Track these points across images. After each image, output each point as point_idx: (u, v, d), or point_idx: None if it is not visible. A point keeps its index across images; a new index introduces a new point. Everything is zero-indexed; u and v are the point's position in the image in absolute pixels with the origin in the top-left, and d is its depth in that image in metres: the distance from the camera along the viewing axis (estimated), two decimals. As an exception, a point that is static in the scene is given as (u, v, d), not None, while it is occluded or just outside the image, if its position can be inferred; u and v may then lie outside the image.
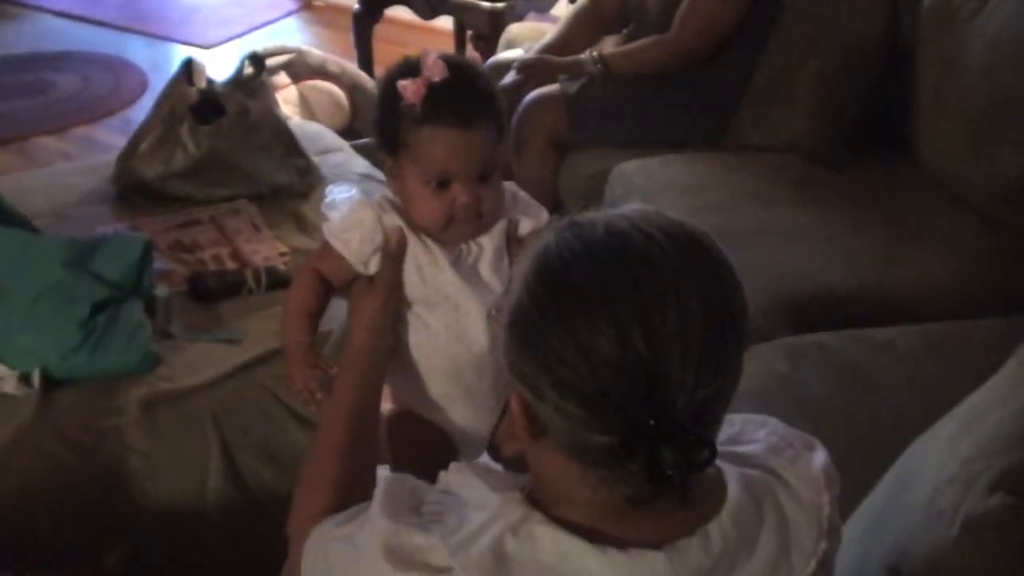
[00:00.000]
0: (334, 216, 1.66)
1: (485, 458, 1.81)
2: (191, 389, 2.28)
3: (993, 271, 2.64)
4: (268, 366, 2.33)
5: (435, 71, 1.48)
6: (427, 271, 1.58)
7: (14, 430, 2.16)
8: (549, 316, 1.06)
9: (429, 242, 1.58)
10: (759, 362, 2.22)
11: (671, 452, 1.01)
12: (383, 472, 1.47)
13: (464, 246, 1.60)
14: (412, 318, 1.63)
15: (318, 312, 1.66)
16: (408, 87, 1.48)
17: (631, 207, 1.13)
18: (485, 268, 1.61)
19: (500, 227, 1.62)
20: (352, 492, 1.41)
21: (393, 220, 1.58)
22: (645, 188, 3.04)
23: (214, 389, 2.29)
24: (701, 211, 2.86)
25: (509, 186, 1.66)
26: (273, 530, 1.94)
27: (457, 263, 1.59)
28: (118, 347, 2.28)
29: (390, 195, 1.62)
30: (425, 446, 1.69)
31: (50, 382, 2.25)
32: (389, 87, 1.52)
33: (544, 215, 1.67)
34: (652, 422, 1.01)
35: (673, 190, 3.00)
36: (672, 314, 1.02)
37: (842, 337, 2.32)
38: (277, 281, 2.58)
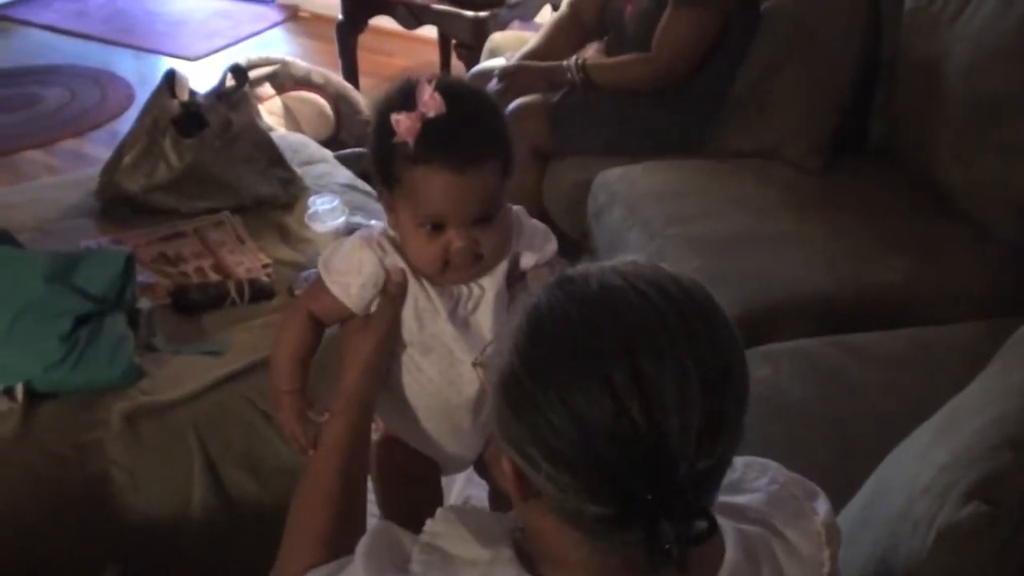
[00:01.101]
0: (331, 257, 1.51)
1: (471, 473, 1.81)
2: (174, 402, 2.28)
3: (976, 276, 2.65)
4: (251, 378, 2.33)
5: (431, 106, 1.34)
6: (425, 317, 1.50)
7: (-3, 444, 2.16)
8: (540, 382, 1.01)
9: (428, 287, 1.48)
10: (742, 369, 2.22)
11: (670, 526, 0.97)
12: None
13: (465, 289, 1.51)
14: (405, 359, 1.54)
15: (311, 356, 1.57)
16: (401, 122, 1.35)
17: (624, 260, 1.08)
18: (485, 313, 1.51)
19: (502, 267, 1.51)
20: (342, 541, 1.35)
21: (395, 261, 1.48)
22: (628, 195, 3.05)
23: (197, 402, 2.29)
24: (683, 218, 2.88)
25: (516, 212, 1.54)
26: (257, 541, 1.95)
27: (455, 311, 1.50)
28: (101, 360, 2.28)
29: (390, 232, 1.50)
30: (410, 472, 1.65)
31: (33, 396, 2.25)
32: (383, 118, 1.38)
33: (551, 246, 1.57)
34: (650, 496, 0.97)
35: (655, 197, 3.01)
36: (671, 381, 0.98)
37: (823, 343, 2.32)
38: (260, 293, 2.59)
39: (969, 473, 1.32)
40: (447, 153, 1.36)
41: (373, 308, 1.50)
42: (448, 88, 1.37)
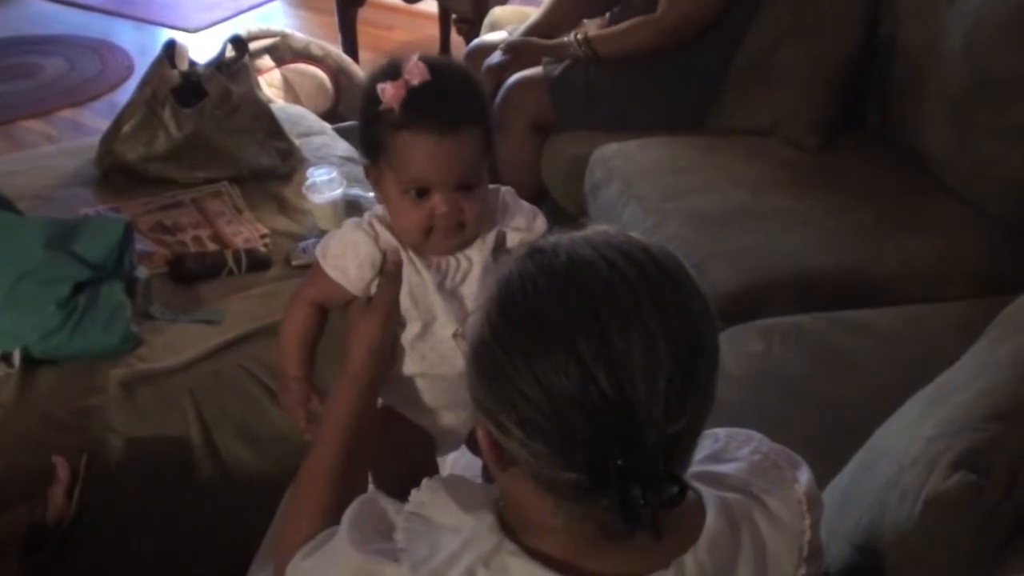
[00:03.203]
0: (327, 244, 1.55)
1: (463, 451, 1.82)
2: (171, 369, 2.29)
3: (973, 254, 2.65)
4: (247, 347, 2.35)
5: (415, 74, 1.41)
6: (417, 292, 1.53)
7: (-6, 410, 2.17)
8: (510, 352, 1.03)
9: (417, 262, 1.52)
10: (736, 343, 2.24)
11: (641, 491, 0.98)
12: None
13: (454, 261, 1.54)
14: (402, 334, 1.58)
15: (316, 340, 1.62)
16: (387, 90, 1.41)
17: (596, 229, 1.10)
18: (472, 286, 1.55)
19: (490, 239, 1.55)
20: (340, 517, 1.35)
21: (388, 240, 1.52)
22: (625, 171, 3.05)
23: (193, 369, 2.31)
24: (680, 193, 2.88)
25: (504, 192, 1.59)
26: (251, 507, 1.97)
27: (443, 283, 1.54)
28: (98, 327, 2.29)
29: (379, 213, 1.55)
30: (405, 443, 1.67)
31: (31, 362, 2.27)
32: (370, 90, 1.44)
33: (539, 222, 1.60)
34: (620, 462, 0.98)
35: (653, 173, 3.02)
36: (638, 349, 0.99)
37: (819, 319, 2.33)
38: (257, 263, 2.60)
39: (956, 443, 1.33)
40: (430, 117, 1.41)
41: (373, 290, 1.53)
42: (432, 61, 1.44)
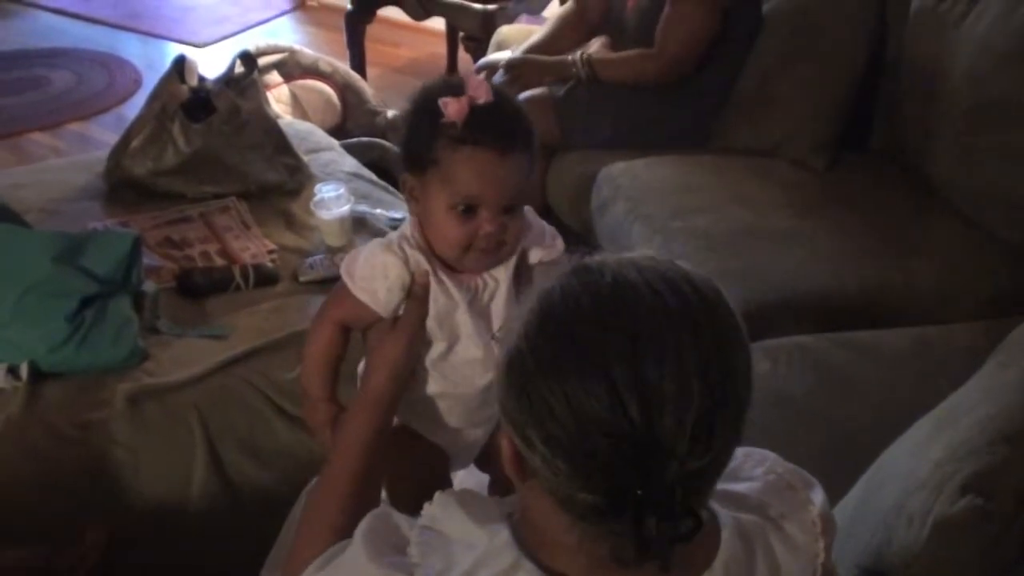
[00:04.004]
0: (353, 265, 1.54)
1: (472, 469, 1.83)
2: (177, 384, 2.29)
3: (978, 276, 2.66)
4: (254, 362, 2.35)
5: (480, 92, 1.42)
6: (443, 312, 1.52)
7: (2, 423, 2.18)
8: (544, 368, 1.02)
9: (447, 281, 1.51)
10: (740, 363, 2.23)
11: (656, 523, 0.98)
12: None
13: (482, 281, 1.54)
14: (424, 355, 1.57)
15: (340, 360, 1.61)
16: (451, 104, 1.40)
17: (644, 254, 1.09)
18: (499, 305, 1.55)
19: (512, 260, 1.55)
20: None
21: (417, 261, 1.51)
22: (631, 190, 3.06)
23: (200, 384, 2.30)
24: (686, 213, 2.89)
25: (525, 210, 1.56)
26: (255, 523, 1.97)
27: (473, 302, 1.54)
28: (106, 341, 2.30)
29: (406, 232, 1.54)
30: (420, 460, 1.66)
31: (38, 375, 2.27)
32: (428, 103, 1.44)
33: (559, 244, 1.60)
34: (639, 491, 0.98)
35: (659, 192, 3.02)
36: (671, 382, 0.98)
37: (823, 339, 2.33)
38: (264, 278, 2.60)
39: (964, 467, 1.34)
40: (494, 135, 1.42)
41: (399, 311, 1.53)
42: (493, 84, 1.46)
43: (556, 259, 1.58)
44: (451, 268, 1.52)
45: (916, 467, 1.43)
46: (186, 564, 2.27)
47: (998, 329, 1.79)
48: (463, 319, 1.53)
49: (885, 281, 2.63)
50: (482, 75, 1.38)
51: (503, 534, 1.13)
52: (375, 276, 1.51)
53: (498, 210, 1.45)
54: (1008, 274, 2.64)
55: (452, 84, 1.44)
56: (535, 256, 1.58)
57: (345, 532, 1.34)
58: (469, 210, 1.45)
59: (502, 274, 1.54)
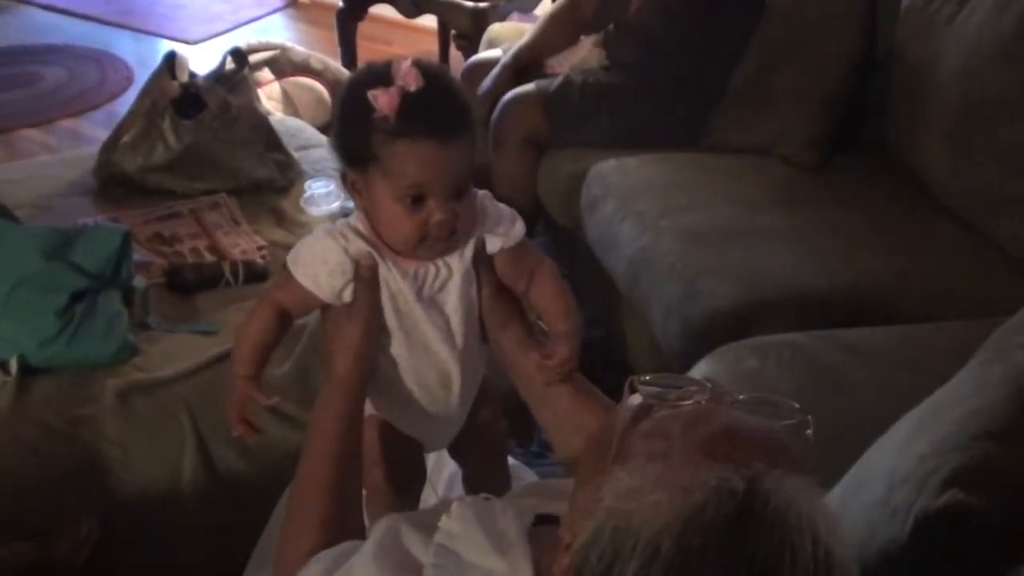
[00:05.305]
0: (298, 251, 1.52)
1: (446, 457, 1.83)
2: (167, 379, 2.30)
3: (968, 275, 2.66)
4: (243, 358, 2.35)
5: (410, 80, 1.36)
6: (398, 300, 1.50)
7: (-9, 417, 2.18)
8: None
9: (393, 269, 1.49)
10: (729, 360, 2.24)
11: None
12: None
13: (432, 268, 1.50)
14: (384, 343, 1.55)
15: (273, 345, 1.57)
16: (380, 97, 1.35)
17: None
18: (451, 292, 1.52)
19: (469, 248, 1.51)
20: (339, 523, 1.38)
21: (359, 247, 1.48)
22: (621, 187, 3.06)
23: (189, 380, 2.31)
24: (676, 211, 2.89)
25: (482, 196, 1.54)
26: (244, 517, 1.98)
27: (422, 291, 1.51)
28: (95, 337, 2.30)
29: (352, 222, 1.50)
30: (393, 449, 1.65)
31: (27, 370, 2.27)
32: (356, 96, 1.38)
33: (517, 227, 1.55)
34: None
35: (650, 189, 3.02)
36: None
37: (812, 337, 2.33)
38: (254, 274, 2.61)
39: (947, 462, 1.34)
40: (430, 125, 1.37)
41: (347, 296, 1.50)
42: (421, 65, 1.39)
43: (517, 244, 1.54)
44: (398, 253, 1.49)
45: (900, 462, 1.43)
46: (175, 558, 2.27)
47: (986, 328, 1.79)
48: (414, 307, 1.51)
49: (876, 279, 2.63)
50: (407, 62, 1.30)
51: (527, 568, 1.10)
52: (316, 262, 1.49)
53: (446, 197, 1.41)
54: (997, 273, 2.64)
55: (380, 74, 1.38)
56: (494, 244, 1.54)
57: (331, 522, 1.36)
58: (417, 200, 1.41)
59: (455, 262, 1.51)
